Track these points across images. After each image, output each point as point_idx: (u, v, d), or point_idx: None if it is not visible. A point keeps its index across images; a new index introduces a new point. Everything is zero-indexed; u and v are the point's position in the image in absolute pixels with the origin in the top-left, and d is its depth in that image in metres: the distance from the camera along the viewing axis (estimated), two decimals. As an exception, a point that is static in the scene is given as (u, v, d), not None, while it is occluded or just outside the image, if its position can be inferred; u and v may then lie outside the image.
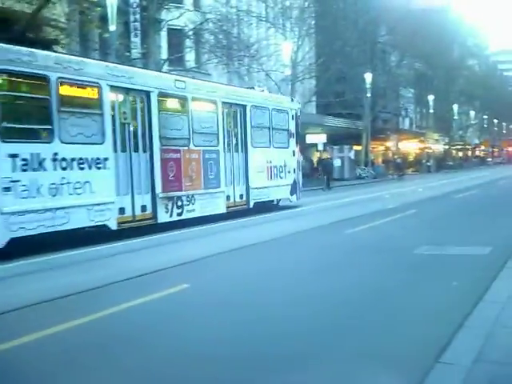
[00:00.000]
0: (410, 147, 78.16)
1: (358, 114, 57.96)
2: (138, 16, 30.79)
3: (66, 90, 14.41)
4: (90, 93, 15.21)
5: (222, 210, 20.02)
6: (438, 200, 27.96)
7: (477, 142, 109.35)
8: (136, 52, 30.37)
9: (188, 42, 35.61)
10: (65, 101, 14.27)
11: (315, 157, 55.54)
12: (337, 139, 53.87)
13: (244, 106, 21.44)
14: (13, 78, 13.48)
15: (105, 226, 15.29)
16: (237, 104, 21.17)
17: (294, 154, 24.74)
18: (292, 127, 24.47)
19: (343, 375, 5.74)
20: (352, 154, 56.17)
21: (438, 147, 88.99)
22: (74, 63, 14.82)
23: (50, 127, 13.84)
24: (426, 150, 78.57)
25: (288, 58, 42.22)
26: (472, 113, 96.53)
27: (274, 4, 44.81)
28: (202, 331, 7.23)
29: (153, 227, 16.70)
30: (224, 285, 9.95)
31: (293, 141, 24.58)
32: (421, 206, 24.14)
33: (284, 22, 44.31)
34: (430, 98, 71.77)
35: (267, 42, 46.47)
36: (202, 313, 8.10)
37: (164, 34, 36.58)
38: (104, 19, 27.17)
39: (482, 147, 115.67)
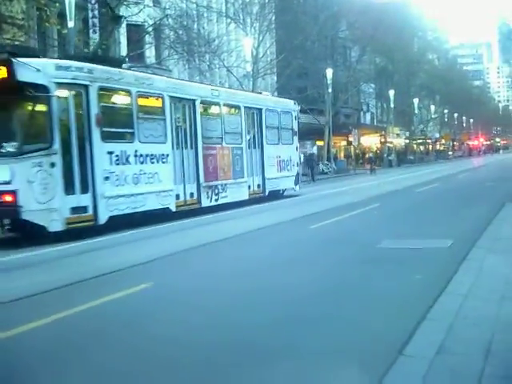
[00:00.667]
0: (372, 142, 78.75)
1: (320, 109, 58.15)
2: (96, 12, 30.41)
3: (141, 101, 18.69)
4: (156, 102, 19.49)
5: (246, 197, 24.16)
6: (400, 194, 28.20)
7: (437, 135, 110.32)
8: (95, 48, 30.01)
9: (148, 38, 35.25)
10: (141, 109, 18.49)
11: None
12: (299, 134, 53.95)
13: (260, 110, 25.59)
14: (108, 93, 17.54)
15: (167, 208, 19.30)
16: (255, 108, 25.36)
17: (296, 150, 29.32)
18: (295, 126, 28.90)
19: (305, 369, 5.72)
20: (315, 149, 56.40)
21: (399, 141, 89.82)
22: (146, 79, 19.34)
23: (132, 130, 17.97)
24: (388, 145, 79.12)
25: (249, 53, 42.18)
26: (432, 107, 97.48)
27: (234, 0, 44.69)
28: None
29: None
30: (190, 282, 9.91)
31: (295, 138, 29.08)
32: (384, 199, 24.30)
33: (244, 17, 44.14)
34: (391, 92, 72.23)
35: (228, 37, 46.40)
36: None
37: (123, 30, 36.28)
38: (62, 16, 26.84)
39: (443, 141, 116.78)
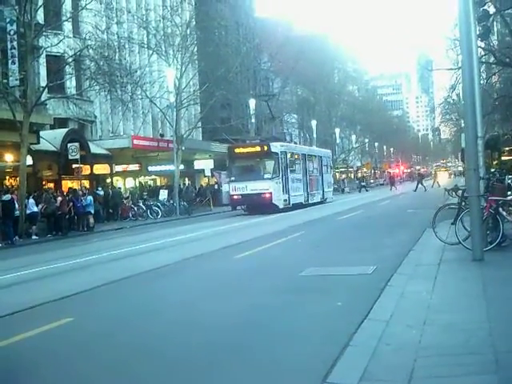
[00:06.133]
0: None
1: (244, 139, 58.35)
2: (15, 43, 29.80)
3: (295, 156, 41.23)
4: (298, 156, 41.80)
5: (319, 200, 45.07)
6: (323, 222, 28.47)
7: (359, 164, 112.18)
8: (14, 79, 29.39)
9: (68, 69, 34.70)
10: (296, 159, 40.96)
11: (203, 182, 55.56)
12: (224, 165, 54.05)
13: (321, 156, 48.73)
14: (290, 154, 39.71)
15: (301, 203, 39.87)
16: (319, 155, 48.25)
17: (332, 177, 57.41)
18: (331, 163, 55.98)
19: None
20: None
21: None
22: (297, 147, 47.70)
23: (294, 168, 40.06)
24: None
25: (172, 84, 42.15)
26: (353, 137, 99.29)
27: (155, 31, 44.58)
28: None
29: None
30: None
31: (331, 170, 57.20)
32: (307, 228, 24.51)
33: (166, 48, 44.05)
34: (313, 123, 73.31)
35: (150, 68, 46.16)
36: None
37: (43, 60, 35.70)
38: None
39: (365, 169, 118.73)
